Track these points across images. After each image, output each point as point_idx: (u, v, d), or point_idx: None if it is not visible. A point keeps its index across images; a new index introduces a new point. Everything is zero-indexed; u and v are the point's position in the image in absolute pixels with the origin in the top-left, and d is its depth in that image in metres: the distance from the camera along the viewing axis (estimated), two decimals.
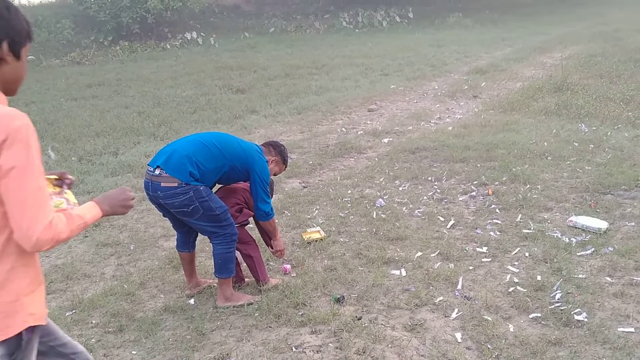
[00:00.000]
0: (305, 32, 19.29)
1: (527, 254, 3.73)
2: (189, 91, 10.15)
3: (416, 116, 7.99)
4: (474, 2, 25.58)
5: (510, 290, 3.31)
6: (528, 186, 4.89)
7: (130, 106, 9.07)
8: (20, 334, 1.53)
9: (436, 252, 3.83)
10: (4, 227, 1.47)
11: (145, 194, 3.17)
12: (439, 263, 3.67)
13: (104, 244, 4.27)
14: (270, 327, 3.06)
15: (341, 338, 2.89)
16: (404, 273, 3.56)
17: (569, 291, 3.24)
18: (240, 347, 2.90)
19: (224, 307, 3.26)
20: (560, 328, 2.90)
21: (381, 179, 5.37)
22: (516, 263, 3.63)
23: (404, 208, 4.66)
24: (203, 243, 3.96)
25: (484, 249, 3.85)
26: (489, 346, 2.78)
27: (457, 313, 3.09)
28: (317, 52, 14.69)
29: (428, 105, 8.78)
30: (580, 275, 3.40)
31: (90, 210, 1.65)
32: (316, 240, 4.08)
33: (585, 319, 2.96)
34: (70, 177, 1.80)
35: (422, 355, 2.75)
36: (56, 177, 1.76)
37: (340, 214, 4.60)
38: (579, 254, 3.69)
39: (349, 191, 5.09)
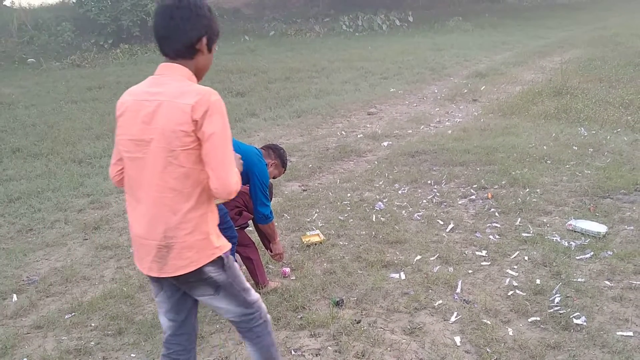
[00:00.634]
0: (305, 35, 19.31)
1: (526, 258, 3.74)
2: None
3: (416, 120, 8.00)
4: (473, 6, 25.67)
5: (509, 293, 3.31)
6: (527, 190, 4.89)
7: None
8: (220, 257, 1.94)
9: (435, 256, 3.83)
10: (199, 182, 1.83)
11: None
12: (438, 266, 3.67)
13: (103, 246, 4.27)
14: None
15: (340, 341, 2.89)
16: (403, 276, 3.57)
17: (568, 295, 3.24)
18: (239, 350, 2.90)
19: None
20: (559, 332, 2.91)
21: (381, 183, 5.37)
22: (515, 267, 3.63)
23: (404, 211, 4.66)
24: None
25: (483, 253, 3.85)
26: (488, 350, 2.78)
27: (456, 317, 3.09)
28: (317, 55, 14.71)
29: (428, 108, 8.79)
30: (579, 279, 3.40)
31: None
32: (315, 244, 4.08)
33: (584, 323, 2.96)
34: None
35: (421, 359, 2.75)
36: None
37: (339, 217, 4.61)
38: (578, 257, 3.70)
39: (349, 194, 5.09)
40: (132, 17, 16.22)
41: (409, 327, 3.02)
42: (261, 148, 3.52)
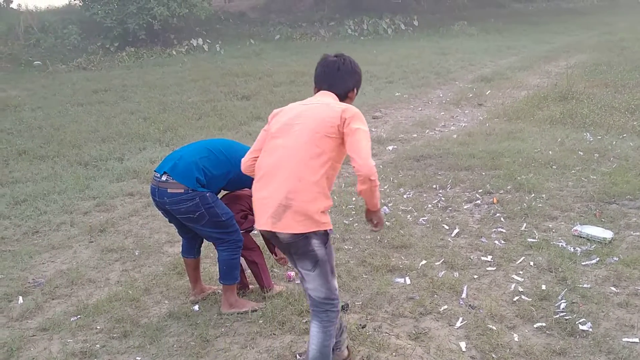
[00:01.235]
0: (311, 39, 19.34)
1: (531, 263, 3.73)
2: (195, 97, 10.19)
3: (421, 124, 8.00)
4: (479, 10, 25.65)
5: (514, 299, 3.30)
6: (533, 195, 4.88)
7: (136, 112, 9.12)
8: (325, 231, 2.32)
9: (441, 261, 3.82)
10: (326, 162, 2.32)
11: (151, 199, 3.18)
12: (443, 271, 3.67)
13: (109, 249, 4.29)
14: (274, 334, 3.06)
15: None
16: (408, 281, 3.56)
17: (573, 301, 3.23)
18: (245, 354, 2.90)
19: (228, 314, 3.26)
20: (565, 338, 2.90)
21: (386, 187, 5.37)
22: (521, 272, 3.63)
23: (409, 216, 4.66)
24: (208, 249, 3.96)
25: (489, 258, 3.84)
26: (493, 355, 2.77)
27: (461, 322, 3.08)
28: None
29: (433, 113, 8.79)
30: (585, 285, 3.39)
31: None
32: None
33: (590, 329, 2.95)
34: None
35: None
36: None
37: (344, 221, 4.61)
38: (583, 263, 3.69)
39: (353, 198, 5.09)
40: (138, 20, 16.27)
41: (414, 332, 3.01)
42: None
